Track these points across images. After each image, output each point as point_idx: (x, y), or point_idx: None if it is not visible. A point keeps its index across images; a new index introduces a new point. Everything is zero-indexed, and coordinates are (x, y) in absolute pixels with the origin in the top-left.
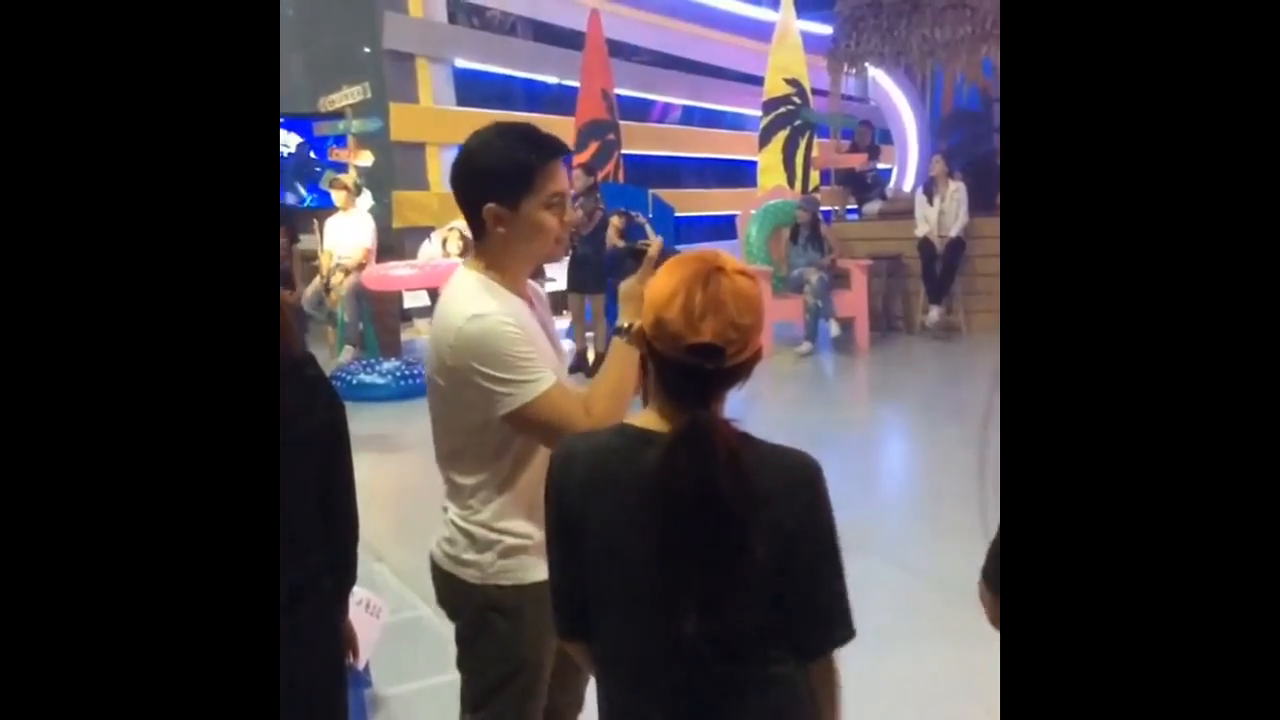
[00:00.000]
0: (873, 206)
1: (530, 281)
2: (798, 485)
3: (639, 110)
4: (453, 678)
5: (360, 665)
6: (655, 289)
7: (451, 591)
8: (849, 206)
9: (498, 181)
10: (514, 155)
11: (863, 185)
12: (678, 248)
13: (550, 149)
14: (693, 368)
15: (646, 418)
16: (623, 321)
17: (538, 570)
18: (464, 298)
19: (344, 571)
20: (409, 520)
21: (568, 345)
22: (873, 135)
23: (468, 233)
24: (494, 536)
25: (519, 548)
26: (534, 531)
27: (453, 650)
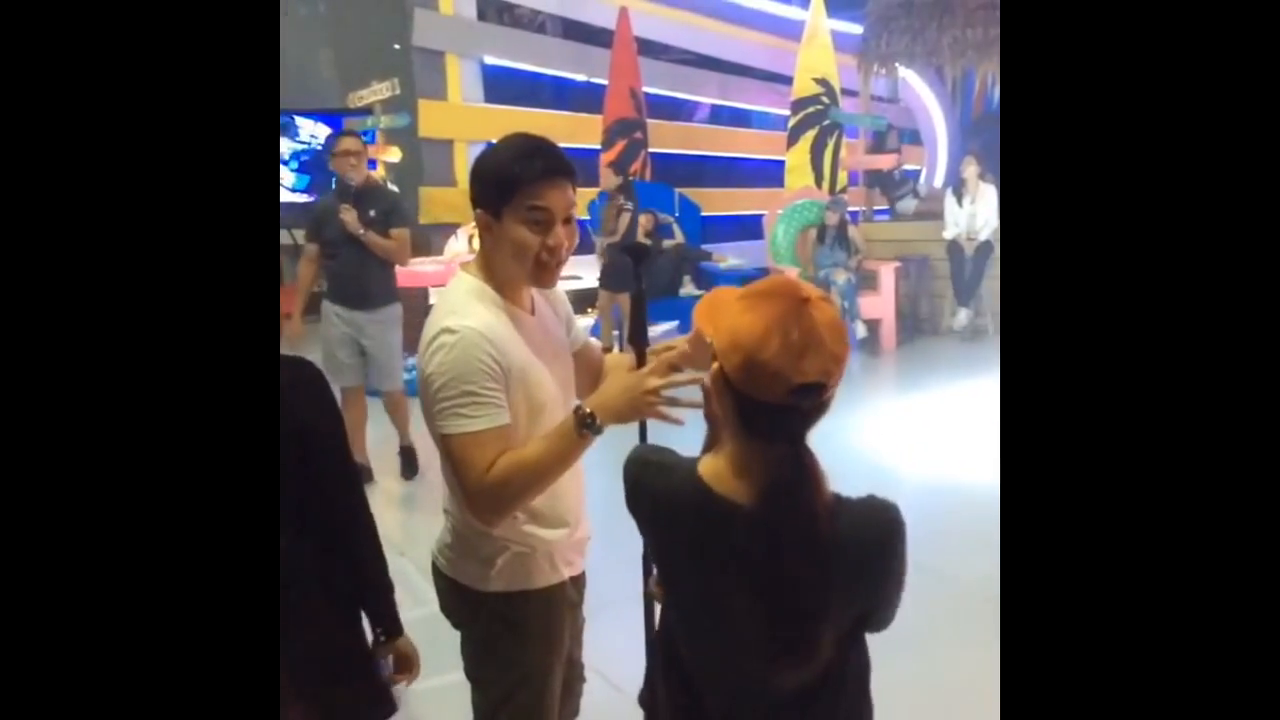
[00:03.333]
0: (908, 205)
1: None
2: (889, 536)
3: (667, 109)
4: (460, 675)
5: (409, 685)
6: (738, 325)
7: (455, 598)
8: (877, 207)
9: (483, 186)
10: (504, 164)
11: (892, 184)
12: (704, 247)
13: (542, 166)
14: (789, 408)
15: (719, 473)
16: (591, 405)
17: (542, 576)
18: (447, 307)
19: (361, 578)
20: (432, 515)
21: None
22: (899, 137)
23: None
24: (495, 543)
25: (522, 554)
26: (536, 540)
27: None
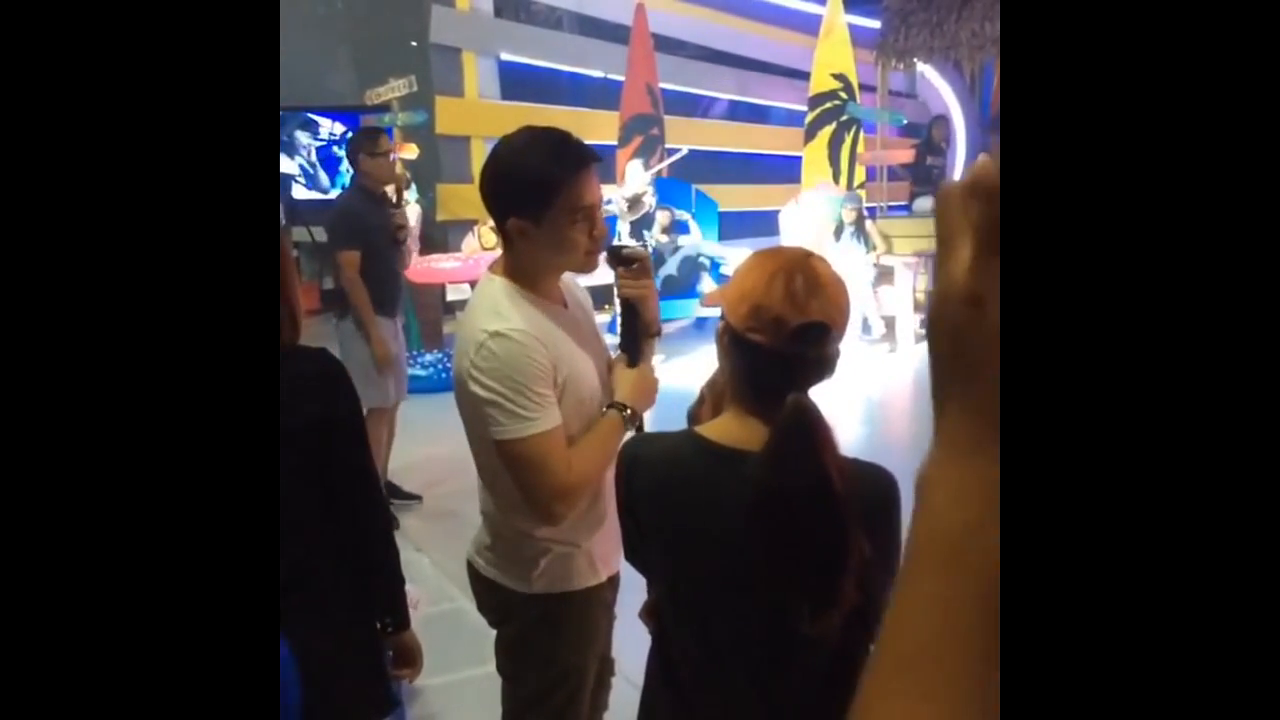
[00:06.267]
0: (924, 203)
1: (567, 278)
2: (887, 498)
3: (684, 104)
4: (490, 670)
5: (414, 681)
6: (744, 281)
7: (494, 599)
8: (892, 203)
9: (520, 194)
10: (537, 167)
11: (929, 179)
12: (720, 243)
13: (577, 161)
14: (791, 356)
15: (721, 428)
16: (620, 399)
17: (582, 577)
18: (486, 309)
19: (376, 570)
20: (448, 511)
21: (611, 340)
22: (947, 131)
23: None
24: (539, 545)
25: (564, 555)
26: (579, 538)
27: (490, 641)
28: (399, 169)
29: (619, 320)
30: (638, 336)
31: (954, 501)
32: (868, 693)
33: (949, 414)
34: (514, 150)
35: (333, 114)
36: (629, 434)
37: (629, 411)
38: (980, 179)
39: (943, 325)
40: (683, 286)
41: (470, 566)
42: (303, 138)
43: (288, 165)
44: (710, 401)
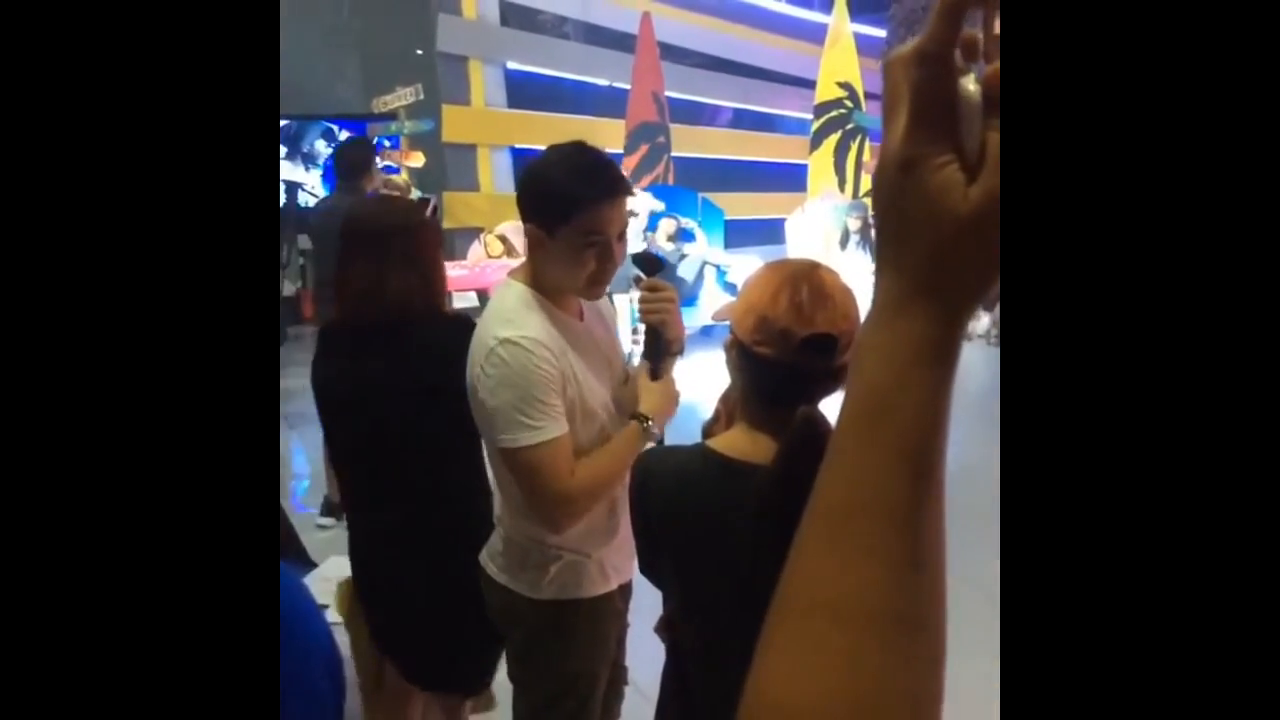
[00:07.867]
0: None
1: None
2: None
3: (690, 113)
4: (500, 676)
5: None
6: (751, 294)
7: (505, 605)
8: None
9: (538, 204)
10: (562, 181)
11: None
12: (726, 251)
13: (607, 187)
14: (800, 369)
15: (731, 442)
16: (644, 410)
17: (593, 585)
18: (499, 316)
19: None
20: None
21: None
22: None
23: (511, 237)
24: (549, 552)
25: (575, 563)
26: (590, 548)
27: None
28: (404, 177)
29: (642, 341)
30: (660, 355)
31: (877, 363)
32: (795, 547)
33: (882, 279)
34: (552, 158)
35: (340, 122)
36: (649, 445)
37: (649, 423)
38: (921, 46)
39: (878, 192)
40: (688, 294)
41: (482, 571)
42: (322, 149)
43: (307, 176)
44: (724, 416)
